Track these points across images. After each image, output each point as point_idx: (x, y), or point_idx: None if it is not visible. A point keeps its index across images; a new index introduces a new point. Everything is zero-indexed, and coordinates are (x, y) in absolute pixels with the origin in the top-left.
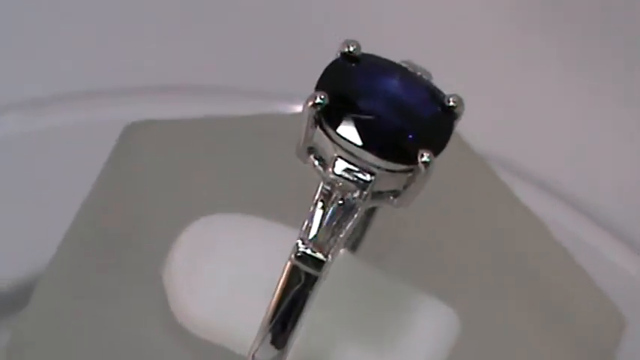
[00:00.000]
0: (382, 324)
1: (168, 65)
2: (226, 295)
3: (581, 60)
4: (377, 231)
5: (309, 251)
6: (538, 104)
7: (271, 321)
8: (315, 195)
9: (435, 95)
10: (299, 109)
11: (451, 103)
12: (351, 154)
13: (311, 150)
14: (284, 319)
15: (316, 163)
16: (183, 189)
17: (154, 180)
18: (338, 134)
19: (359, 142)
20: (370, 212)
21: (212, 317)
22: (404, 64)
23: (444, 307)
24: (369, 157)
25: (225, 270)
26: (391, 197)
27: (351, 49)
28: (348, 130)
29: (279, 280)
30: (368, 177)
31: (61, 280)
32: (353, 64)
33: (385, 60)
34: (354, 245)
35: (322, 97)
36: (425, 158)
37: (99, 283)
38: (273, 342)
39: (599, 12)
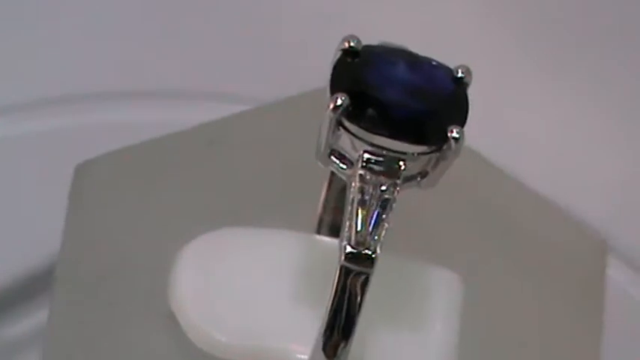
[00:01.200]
0: (397, 299)
1: (144, 70)
2: (248, 314)
3: (560, 69)
4: None
5: (359, 252)
6: (517, 110)
7: (329, 327)
8: (348, 195)
9: (443, 70)
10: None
11: (460, 74)
12: (379, 146)
13: (331, 153)
14: (343, 323)
15: (340, 164)
16: (155, 213)
17: (122, 212)
18: (364, 130)
19: (387, 133)
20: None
21: (241, 341)
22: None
23: (449, 273)
24: (400, 146)
25: (238, 288)
26: (419, 179)
27: (352, 44)
28: (374, 124)
29: (332, 285)
30: (398, 165)
31: (66, 333)
32: (356, 59)
33: (383, 47)
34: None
35: (342, 98)
36: (455, 134)
37: (104, 323)
38: (333, 346)
39: (579, 23)
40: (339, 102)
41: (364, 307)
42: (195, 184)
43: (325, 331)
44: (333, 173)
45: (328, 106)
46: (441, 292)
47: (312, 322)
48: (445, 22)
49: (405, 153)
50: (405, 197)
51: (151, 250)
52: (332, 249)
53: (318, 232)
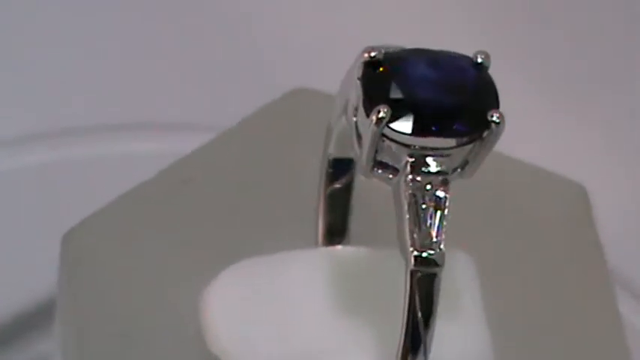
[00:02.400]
0: None
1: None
2: (294, 341)
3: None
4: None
5: (427, 254)
6: None
7: (410, 334)
8: (401, 202)
9: (463, 59)
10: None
11: (480, 60)
12: (425, 147)
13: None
14: (423, 327)
15: (386, 174)
16: (153, 264)
17: (119, 274)
18: (409, 135)
19: (432, 133)
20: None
21: None
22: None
23: (463, 254)
24: (445, 142)
25: (275, 318)
26: (459, 170)
27: (374, 54)
28: (418, 127)
29: (405, 293)
30: (446, 160)
31: None
32: (381, 69)
33: (401, 51)
34: (340, 232)
35: (385, 110)
36: (495, 118)
37: None
38: (416, 352)
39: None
40: (381, 114)
41: (393, 300)
42: (183, 224)
43: (406, 338)
44: (328, 183)
45: (371, 121)
46: (461, 273)
47: (359, 335)
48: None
49: (450, 147)
50: None
51: (162, 303)
52: (354, 257)
53: (324, 243)
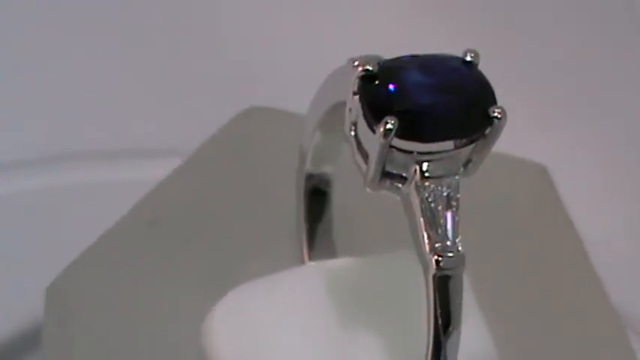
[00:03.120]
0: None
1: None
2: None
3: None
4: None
5: (448, 257)
6: None
7: (439, 339)
8: (413, 209)
9: (453, 60)
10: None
11: (469, 58)
12: (435, 152)
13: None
14: (451, 330)
15: (393, 184)
16: (141, 306)
17: (110, 319)
18: (418, 142)
19: (441, 137)
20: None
21: None
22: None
23: None
24: (457, 144)
25: (282, 341)
26: (462, 168)
27: (369, 68)
28: (426, 134)
29: (429, 302)
30: (455, 161)
31: None
32: (376, 82)
33: (391, 60)
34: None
35: (392, 122)
36: (496, 114)
37: None
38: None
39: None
40: (389, 126)
41: (396, 306)
42: (164, 262)
43: (435, 344)
44: (307, 200)
45: (379, 134)
46: None
47: (369, 347)
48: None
49: (457, 148)
50: None
51: (158, 341)
52: (347, 269)
53: (310, 259)
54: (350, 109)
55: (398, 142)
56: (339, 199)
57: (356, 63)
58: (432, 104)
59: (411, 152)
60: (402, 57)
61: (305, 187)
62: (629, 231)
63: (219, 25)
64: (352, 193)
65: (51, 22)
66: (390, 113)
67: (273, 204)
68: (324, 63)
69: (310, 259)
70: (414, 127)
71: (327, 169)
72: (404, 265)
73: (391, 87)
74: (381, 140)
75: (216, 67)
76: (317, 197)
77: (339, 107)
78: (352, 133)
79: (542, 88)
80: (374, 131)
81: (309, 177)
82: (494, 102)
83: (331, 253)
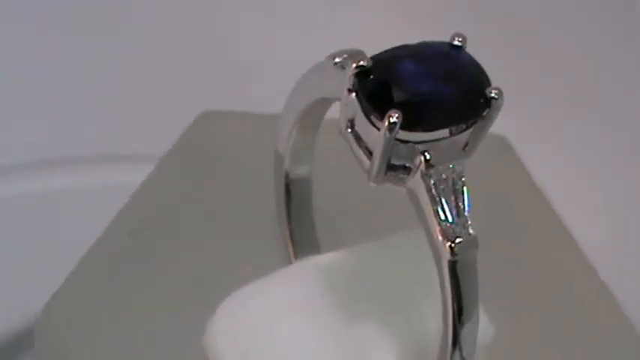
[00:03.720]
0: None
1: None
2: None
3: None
4: None
5: (462, 240)
6: None
7: (457, 325)
8: (421, 198)
9: (440, 46)
10: None
11: (457, 42)
12: (439, 139)
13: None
14: (469, 314)
15: (397, 176)
16: (133, 324)
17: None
18: (424, 132)
19: (444, 124)
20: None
21: None
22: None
23: None
24: (459, 129)
25: (288, 344)
26: (462, 150)
27: (363, 64)
28: (432, 123)
29: (445, 288)
30: (455, 145)
31: None
32: (371, 76)
33: (381, 54)
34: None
35: (397, 115)
36: (493, 94)
37: None
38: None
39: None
40: (393, 120)
41: (394, 294)
42: (149, 276)
43: (455, 329)
44: (288, 200)
45: (384, 129)
46: None
47: (374, 338)
48: None
49: (459, 132)
50: None
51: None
52: (338, 262)
53: (296, 256)
54: (346, 106)
55: (403, 135)
56: (317, 195)
57: (337, 60)
58: (432, 92)
59: (416, 142)
60: (390, 49)
61: (284, 188)
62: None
63: (198, 31)
64: (329, 189)
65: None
66: (392, 106)
67: (254, 205)
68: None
69: (296, 257)
70: (416, 118)
71: (305, 167)
72: (395, 252)
73: (389, 80)
74: (387, 135)
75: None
76: (296, 196)
77: (319, 105)
78: (349, 130)
79: (541, 88)
80: (375, 126)
81: (287, 177)
82: (489, 83)
83: (316, 248)
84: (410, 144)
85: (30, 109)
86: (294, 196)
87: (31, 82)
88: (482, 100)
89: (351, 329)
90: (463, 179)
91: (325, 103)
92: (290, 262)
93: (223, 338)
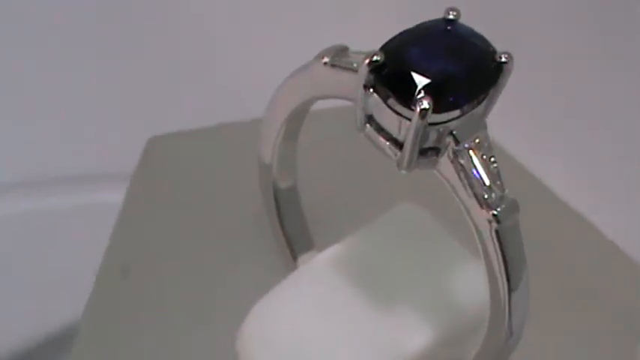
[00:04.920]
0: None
1: None
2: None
3: None
4: None
5: (503, 206)
6: None
7: (510, 291)
8: (455, 175)
9: (438, 23)
10: None
11: (452, 16)
12: (465, 114)
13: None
14: (521, 278)
15: (427, 159)
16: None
17: None
18: (456, 111)
19: (469, 100)
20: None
21: None
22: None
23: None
24: (480, 99)
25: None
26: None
27: (376, 59)
28: (459, 101)
29: (495, 252)
30: (477, 116)
31: None
32: (386, 69)
33: (384, 45)
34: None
35: (427, 100)
36: (504, 59)
37: None
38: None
39: None
40: (425, 105)
41: (409, 277)
42: (147, 314)
43: (509, 297)
44: (277, 207)
45: (417, 117)
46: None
47: (408, 319)
48: None
49: (479, 103)
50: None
51: None
52: (345, 252)
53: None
54: (362, 104)
55: (433, 118)
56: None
57: (326, 59)
58: (449, 70)
59: (444, 122)
60: (392, 38)
61: (273, 196)
62: None
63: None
64: (315, 188)
65: None
66: (414, 93)
67: (230, 219)
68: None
69: (295, 257)
70: (442, 98)
71: (291, 175)
72: (393, 230)
73: (405, 68)
74: (419, 121)
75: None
76: (286, 202)
77: (304, 108)
78: (367, 126)
79: (541, 88)
80: (403, 116)
81: (275, 185)
82: (494, 48)
83: (311, 245)
84: (438, 126)
85: None
86: (284, 203)
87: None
88: (493, 67)
89: (381, 316)
90: (488, 146)
91: (308, 105)
92: (290, 264)
93: (255, 342)
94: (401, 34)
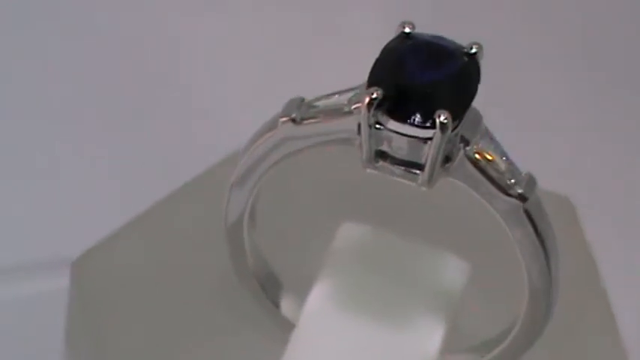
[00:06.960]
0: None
1: None
2: None
3: None
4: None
5: (523, 182)
6: None
7: (547, 271)
8: (471, 172)
9: (403, 38)
10: None
11: (408, 30)
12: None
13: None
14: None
15: (443, 167)
16: None
17: None
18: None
19: (470, 97)
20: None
21: None
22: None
23: (456, 259)
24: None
25: None
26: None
27: (375, 96)
28: (460, 104)
29: (525, 238)
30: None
31: None
32: (386, 102)
33: (375, 71)
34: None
35: (445, 115)
36: (474, 50)
37: None
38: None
39: None
40: (443, 119)
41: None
42: None
43: (549, 269)
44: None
45: (439, 133)
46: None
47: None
48: None
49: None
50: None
51: None
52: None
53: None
54: (367, 143)
55: (448, 132)
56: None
57: (293, 116)
58: (448, 75)
59: (457, 127)
60: (372, 72)
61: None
62: None
63: None
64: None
65: None
66: (443, 109)
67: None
68: None
69: (280, 302)
70: (455, 106)
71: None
72: (359, 251)
73: (402, 91)
74: (441, 136)
75: None
76: (256, 256)
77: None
78: (378, 163)
79: (541, 90)
80: (420, 138)
81: (245, 244)
82: (459, 43)
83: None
84: (454, 132)
85: None
86: (254, 258)
87: None
88: (471, 62)
89: (396, 330)
90: (487, 132)
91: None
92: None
93: None
94: (376, 63)
